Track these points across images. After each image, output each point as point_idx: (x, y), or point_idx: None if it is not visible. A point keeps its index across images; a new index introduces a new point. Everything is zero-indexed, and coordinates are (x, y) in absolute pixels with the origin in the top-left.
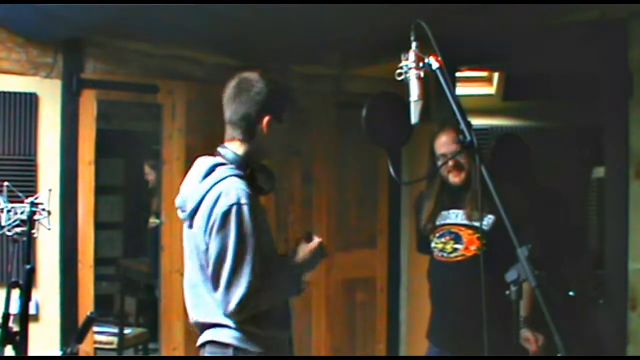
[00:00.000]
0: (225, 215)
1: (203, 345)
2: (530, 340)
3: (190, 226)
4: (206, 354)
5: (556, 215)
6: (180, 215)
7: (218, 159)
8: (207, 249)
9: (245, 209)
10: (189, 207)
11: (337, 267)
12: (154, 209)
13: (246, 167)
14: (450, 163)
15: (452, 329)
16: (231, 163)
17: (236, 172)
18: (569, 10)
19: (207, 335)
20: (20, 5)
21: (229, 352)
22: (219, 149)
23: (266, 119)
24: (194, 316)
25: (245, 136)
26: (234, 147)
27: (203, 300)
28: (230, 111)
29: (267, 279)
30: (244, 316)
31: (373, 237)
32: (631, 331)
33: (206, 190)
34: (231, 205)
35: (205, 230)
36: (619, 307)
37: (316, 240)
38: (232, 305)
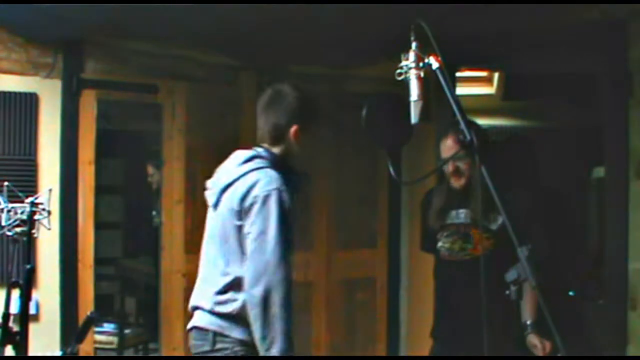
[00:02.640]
0: (267, 197)
1: (190, 330)
2: (537, 347)
3: (216, 206)
4: (191, 340)
5: (560, 216)
6: (208, 196)
7: (255, 152)
8: (236, 228)
9: (285, 195)
10: (220, 184)
11: (337, 267)
12: (160, 208)
13: (280, 167)
14: (451, 168)
15: (459, 328)
16: (267, 159)
17: (272, 166)
18: (569, 10)
19: (192, 320)
20: (21, 5)
21: (209, 338)
22: (256, 147)
23: (294, 128)
24: (193, 300)
25: (274, 142)
26: (267, 147)
27: (208, 280)
28: (262, 120)
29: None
30: (281, 295)
31: (373, 237)
32: (631, 331)
33: (243, 173)
34: (272, 190)
35: (239, 211)
36: (619, 307)
37: None
38: (281, 285)
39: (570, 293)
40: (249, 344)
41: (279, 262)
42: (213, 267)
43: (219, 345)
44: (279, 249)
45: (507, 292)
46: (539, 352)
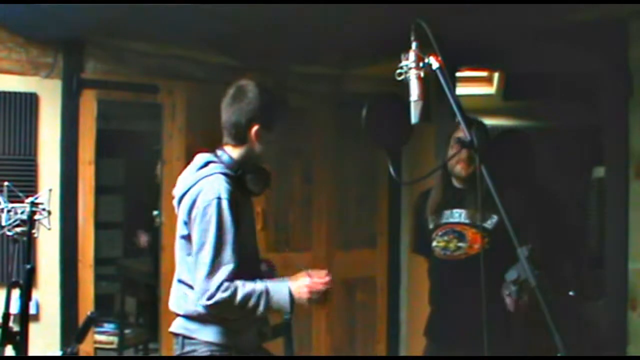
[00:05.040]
0: (206, 208)
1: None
2: (510, 298)
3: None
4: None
5: (555, 217)
6: (174, 204)
7: (212, 157)
8: (186, 236)
9: (224, 203)
10: (177, 195)
11: (337, 267)
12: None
13: (237, 169)
14: (463, 155)
15: (454, 326)
16: (222, 163)
17: (224, 171)
18: (569, 10)
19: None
20: (21, 5)
21: (179, 341)
22: (217, 150)
23: (255, 128)
24: (169, 302)
25: (237, 142)
26: (228, 150)
27: (174, 287)
28: (225, 117)
29: (248, 287)
30: (219, 307)
31: (373, 237)
32: (631, 331)
33: (193, 183)
34: (212, 200)
35: (187, 220)
36: (619, 307)
37: (314, 283)
38: (209, 293)
39: (570, 293)
40: (217, 345)
41: (215, 272)
42: (177, 272)
43: (187, 348)
44: (215, 259)
45: (507, 292)
46: (509, 305)
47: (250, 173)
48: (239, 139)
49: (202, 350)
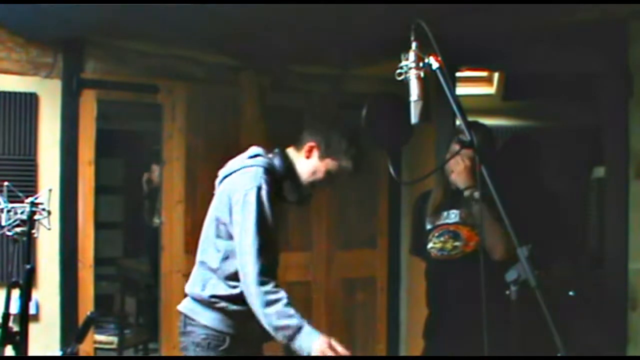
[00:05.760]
0: (246, 195)
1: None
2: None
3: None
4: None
5: (555, 217)
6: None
7: (264, 152)
8: (221, 218)
9: (264, 193)
10: (221, 175)
11: (337, 267)
12: (159, 207)
13: (282, 173)
14: (461, 166)
15: (454, 325)
16: (268, 160)
17: (268, 167)
18: (569, 10)
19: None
20: (20, 5)
21: (182, 319)
22: (277, 148)
23: (309, 144)
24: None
25: (296, 147)
26: (288, 151)
27: (196, 269)
28: (308, 124)
29: (290, 308)
30: (257, 301)
31: (373, 237)
32: (631, 331)
33: (238, 168)
34: (252, 187)
35: (224, 206)
36: (619, 307)
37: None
38: (256, 274)
39: (571, 293)
40: (213, 330)
41: (257, 255)
42: (201, 253)
43: (188, 328)
44: (256, 242)
45: (507, 292)
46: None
47: (292, 182)
48: (297, 146)
49: (199, 333)
